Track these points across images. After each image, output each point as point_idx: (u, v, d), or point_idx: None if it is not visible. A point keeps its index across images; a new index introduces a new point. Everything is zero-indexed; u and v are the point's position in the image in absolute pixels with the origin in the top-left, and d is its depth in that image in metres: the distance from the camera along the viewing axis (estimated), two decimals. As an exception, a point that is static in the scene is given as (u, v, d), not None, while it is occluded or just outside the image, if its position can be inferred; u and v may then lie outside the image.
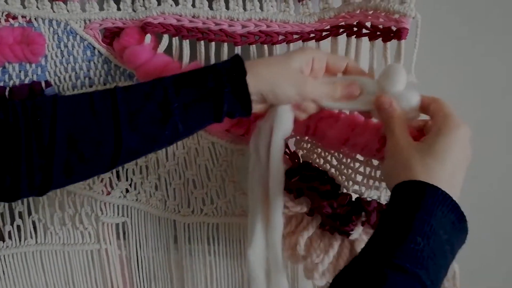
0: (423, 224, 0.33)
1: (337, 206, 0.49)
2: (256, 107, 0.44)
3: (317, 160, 0.51)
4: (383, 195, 0.50)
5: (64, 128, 0.39)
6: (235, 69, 0.42)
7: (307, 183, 0.50)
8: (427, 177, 0.36)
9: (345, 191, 0.50)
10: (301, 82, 0.43)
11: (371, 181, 0.48)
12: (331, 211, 0.49)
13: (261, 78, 0.42)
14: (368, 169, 0.49)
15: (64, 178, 0.41)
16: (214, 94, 0.42)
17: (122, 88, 0.42)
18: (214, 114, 0.43)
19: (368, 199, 0.49)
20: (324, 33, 0.48)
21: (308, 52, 0.44)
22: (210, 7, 0.52)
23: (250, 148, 0.49)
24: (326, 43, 0.49)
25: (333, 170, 0.50)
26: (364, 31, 0.46)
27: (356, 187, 0.50)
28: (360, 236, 0.49)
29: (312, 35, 0.48)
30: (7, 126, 0.39)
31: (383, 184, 0.49)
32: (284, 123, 0.46)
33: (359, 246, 0.49)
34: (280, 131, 0.46)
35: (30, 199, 0.63)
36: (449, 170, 0.37)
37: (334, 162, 0.50)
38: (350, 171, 0.49)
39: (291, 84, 0.43)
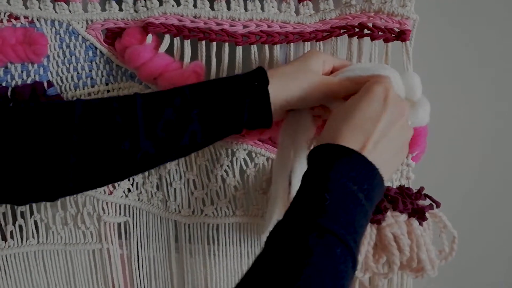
0: (332, 182, 0.36)
1: None
2: (281, 114, 0.45)
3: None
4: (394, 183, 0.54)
5: (81, 134, 0.39)
6: (257, 78, 0.42)
7: None
8: (332, 137, 0.39)
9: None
10: (326, 82, 0.43)
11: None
12: None
13: (286, 86, 0.42)
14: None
15: (79, 184, 0.41)
16: (234, 103, 0.41)
17: (141, 95, 0.42)
18: (233, 124, 0.42)
19: None
20: (325, 34, 0.48)
21: (320, 55, 0.45)
22: (212, 7, 0.52)
23: (278, 145, 0.50)
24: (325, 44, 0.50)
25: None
26: (366, 31, 0.46)
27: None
28: (390, 221, 0.50)
29: (312, 35, 0.48)
30: (28, 129, 0.39)
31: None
32: (306, 128, 0.47)
33: (388, 230, 0.50)
34: (303, 135, 0.47)
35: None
36: (353, 124, 0.38)
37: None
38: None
39: (317, 86, 0.43)
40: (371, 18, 0.45)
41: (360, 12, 0.46)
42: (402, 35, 0.44)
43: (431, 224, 0.52)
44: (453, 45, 0.61)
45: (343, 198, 0.35)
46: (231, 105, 0.42)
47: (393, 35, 0.44)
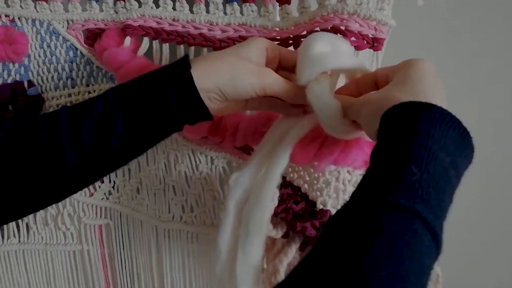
0: (419, 150, 0.28)
1: (320, 225, 0.46)
2: (216, 106, 0.39)
3: (291, 175, 0.48)
4: None
5: (6, 158, 0.37)
6: (179, 65, 0.38)
7: (282, 203, 0.46)
8: (413, 93, 0.31)
9: (321, 207, 0.47)
10: (262, 72, 0.39)
11: (347, 195, 0.46)
12: (315, 232, 0.46)
13: (214, 71, 0.38)
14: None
15: (17, 210, 0.39)
16: (158, 94, 0.37)
17: (67, 107, 0.39)
18: (164, 118, 0.38)
19: None
20: (301, 39, 0.45)
21: (261, 42, 0.41)
22: (191, 10, 0.50)
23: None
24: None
25: (306, 186, 0.47)
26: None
27: (332, 201, 0.48)
28: None
29: (290, 41, 0.46)
30: None
31: None
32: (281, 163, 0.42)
33: None
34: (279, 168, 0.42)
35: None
36: (433, 86, 0.32)
37: (307, 178, 0.47)
38: (324, 185, 0.46)
39: (251, 74, 0.38)
40: (344, 21, 0.41)
41: (333, 14, 0.41)
42: (375, 43, 0.40)
43: None
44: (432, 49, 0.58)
45: (433, 172, 0.27)
46: (155, 96, 0.37)
47: (366, 42, 0.40)
